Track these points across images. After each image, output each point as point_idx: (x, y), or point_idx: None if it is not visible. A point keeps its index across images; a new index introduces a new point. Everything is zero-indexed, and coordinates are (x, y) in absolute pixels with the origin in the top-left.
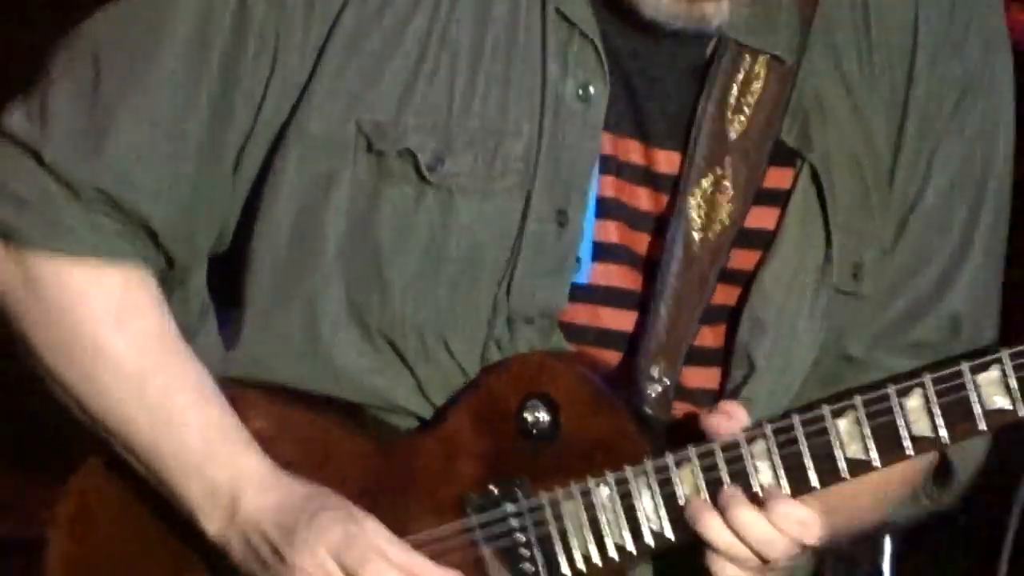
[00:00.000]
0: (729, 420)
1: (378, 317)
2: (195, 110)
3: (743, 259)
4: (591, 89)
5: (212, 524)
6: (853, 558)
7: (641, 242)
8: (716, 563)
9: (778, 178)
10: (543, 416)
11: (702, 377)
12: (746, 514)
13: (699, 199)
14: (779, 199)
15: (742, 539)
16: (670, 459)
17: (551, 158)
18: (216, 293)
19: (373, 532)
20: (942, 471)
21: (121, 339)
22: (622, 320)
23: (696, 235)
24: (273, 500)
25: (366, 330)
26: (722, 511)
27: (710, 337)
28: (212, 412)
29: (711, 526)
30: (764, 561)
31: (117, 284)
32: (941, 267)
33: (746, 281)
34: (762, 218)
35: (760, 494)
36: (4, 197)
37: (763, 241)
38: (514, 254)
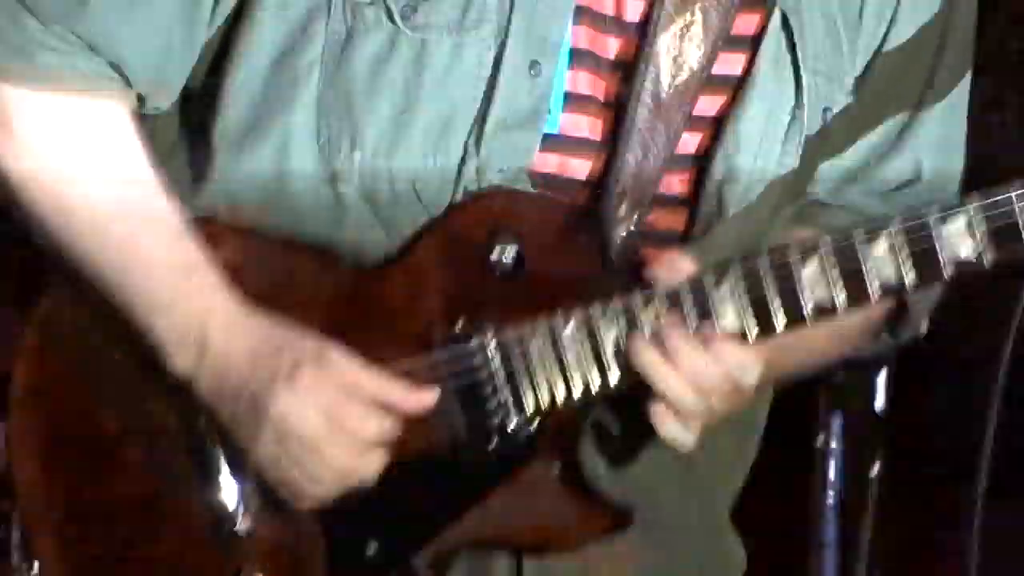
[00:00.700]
0: (670, 271)
1: (348, 158)
2: None
3: (710, 104)
4: None
5: (179, 363)
6: (847, 392)
7: (610, 91)
8: (657, 414)
9: (747, 23)
10: (510, 253)
11: (669, 220)
12: (685, 349)
13: (668, 45)
14: (747, 44)
15: (680, 374)
16: (636, 298)
17: (526, 8)
18: (186, 129)
19: (349, 372)
20: (899, 310)
21: (93, 174)
22: (589, 169)
23: (664, 81)
24: (244, 344)
25: (334, 174)
26: (662, 345)
27: (676, 184)
28: (180, 251)
29: (651, 363)
30: (701, 406)
31: (92, 119)
32: (905, 110)
33: (715, 126)
34: (730, 63)
35: (714, 335)
36: None
37: (730, 86)
38: (485, 104)
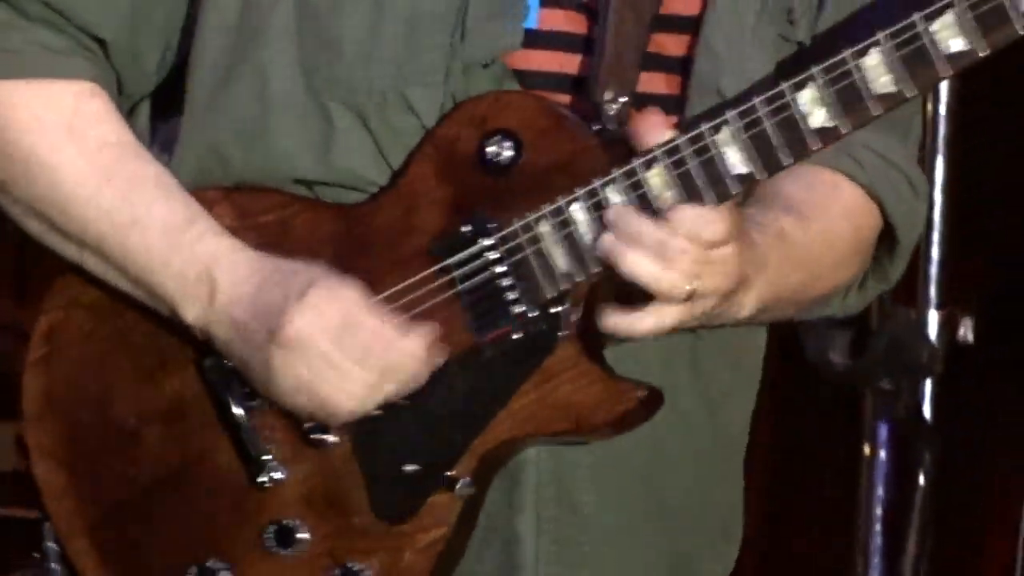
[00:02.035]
0: (651, 129)
1: (334, 79)
2: None
3: (683, 4)
4: None
5: (191, 311)
6: (895, 400)
7: None
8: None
9: None
10: (505, 146)
11: (662, 83)
12: (642, 226)
13: None
14: None
15: (645, 251)
16: (637, 162)
17: None
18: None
19: (351, 300)
20: (887, 241)
21: (75, 148)
22: (571, 63)
23: None
24: (252, 279)
25: (321, 102)
26: (622, 232)
27: (670, 45)
28: (175, 204)
29: (614, 249)
30: (681, 282)
31: (69, 99)
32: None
33: (692, 27)
34: None
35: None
36: None
37: None
38: (464, 1)
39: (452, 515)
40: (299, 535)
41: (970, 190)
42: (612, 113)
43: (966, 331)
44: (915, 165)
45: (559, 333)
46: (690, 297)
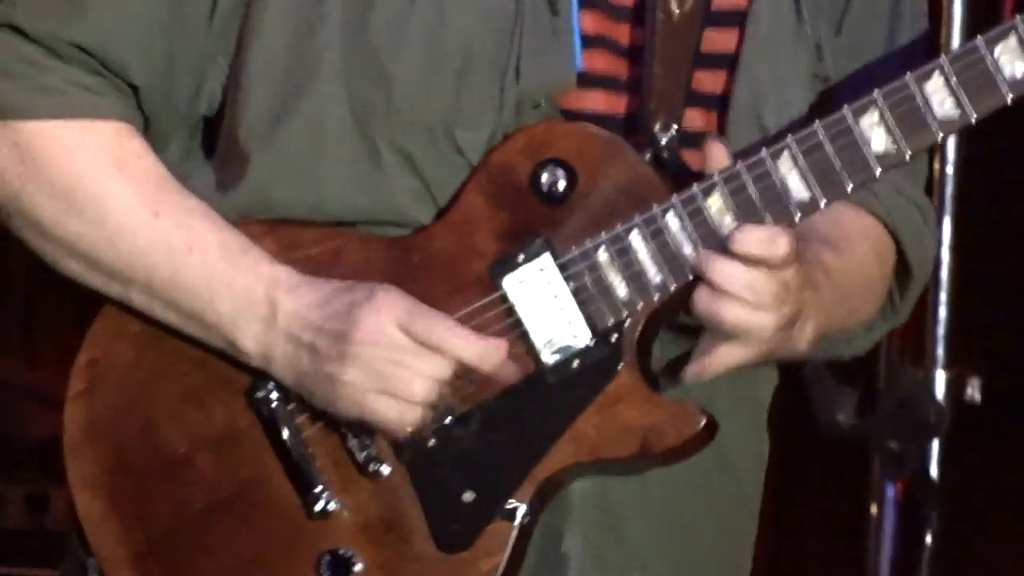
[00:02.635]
0: (716, 156)
1: (385, 119)
2: None
3: (721, 40)
4: None
5: (250, 335)
6: (902, 459)
7: (621, 31)
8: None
9: None
10: (559, 175)
11: (703, 120)
12: (719, 263)
13: None
14: None
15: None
16: (696, 188)
17: None
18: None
19: (416, 303)
20: (900, 274)
21: (124, 180)
22: (617, 103)
23: (674, 11)
24: (312, 297)
25: (371, 141)
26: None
27: (708, 82)
28: (227, 233)
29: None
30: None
31: (110, 135)
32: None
33: (729, 63)
34: None
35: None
36: None
37: (740, 19)
38: (515, 41)
39: (508, 543)
40: (354, 563)
41: (977, 248)
42: (664, 143)
43: (973, 391)
44: (922, 193)
45: (620, 359)
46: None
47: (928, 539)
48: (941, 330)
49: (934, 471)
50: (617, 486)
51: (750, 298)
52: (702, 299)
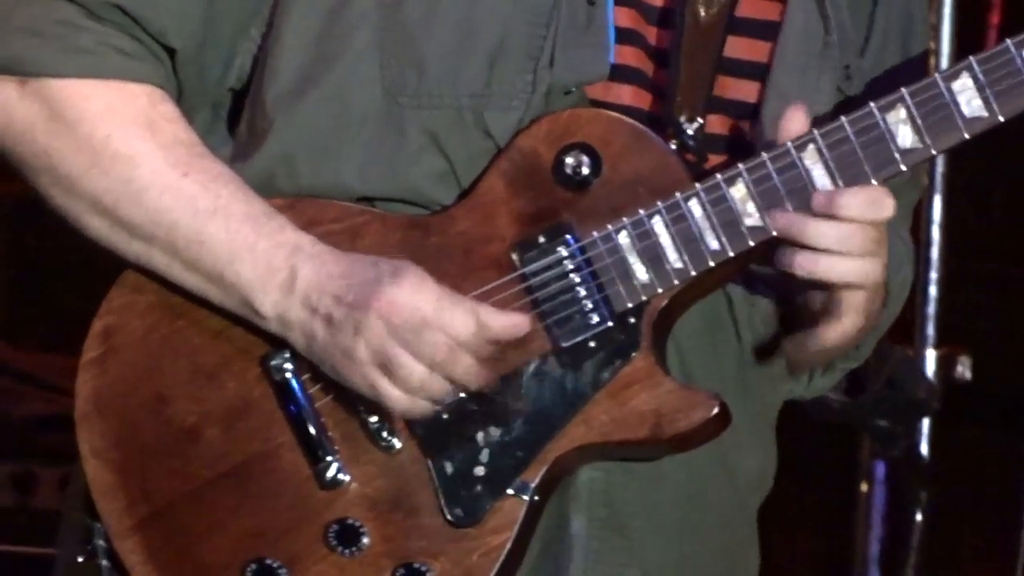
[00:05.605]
0: (790, 122)
1: (414, 97)
2: None
3: (746, 48)
4: None
5: (268, 300)
6: (893, 438)
7: (650, 32)
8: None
9: None
10: (583, 160)
11: (729, 125)
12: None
13: None
14: None
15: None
16: (720, 177)
17: None
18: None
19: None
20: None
21: (154, 141)
22: (643, 99)
23: (701, 15)
24: (333, 267)
25: (398, 120)
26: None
27: (731, 88)
28: (252, 199)
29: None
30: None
31: (143, 98)
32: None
33: (758, 74)
34: (765, 10)
35: (818, 195)
36: (16, 32)
37: (770, 32)
38: (551, 30)
39: (517, 521)
40: (362, 534)
41: (967, 227)
42: (690, 132)
43: (964, 369)
44: (908, 235)
45: (636, 343)
46: None
47: (918, 517)
48: (931, 309)
49: (924, 449)
50: (622, 485)
51: (854, 250)
52: (807, 260)
